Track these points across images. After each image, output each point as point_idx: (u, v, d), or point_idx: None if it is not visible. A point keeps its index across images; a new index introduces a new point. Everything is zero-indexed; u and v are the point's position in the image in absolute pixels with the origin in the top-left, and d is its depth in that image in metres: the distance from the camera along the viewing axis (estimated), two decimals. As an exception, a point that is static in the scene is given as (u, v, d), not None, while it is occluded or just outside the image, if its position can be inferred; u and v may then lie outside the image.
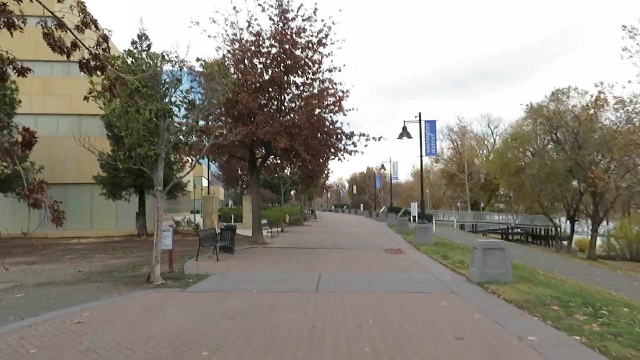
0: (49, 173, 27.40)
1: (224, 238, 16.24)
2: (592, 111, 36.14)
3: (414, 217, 46.42)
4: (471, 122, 72.90)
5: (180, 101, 11.50)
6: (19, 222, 5.00)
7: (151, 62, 11.08)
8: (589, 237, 43.84)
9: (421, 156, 19.54)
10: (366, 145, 18.36)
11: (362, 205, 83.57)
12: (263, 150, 20.11)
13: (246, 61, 17.32)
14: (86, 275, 12.40)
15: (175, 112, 10.83)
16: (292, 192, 54.73)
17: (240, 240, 21.01)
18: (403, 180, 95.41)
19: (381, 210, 54.03)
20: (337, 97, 18.33)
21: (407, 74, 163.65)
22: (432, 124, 19.48)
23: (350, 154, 19.79)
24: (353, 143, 18.79)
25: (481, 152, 78.55)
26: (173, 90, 11.37)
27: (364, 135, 18.33)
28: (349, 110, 18.85)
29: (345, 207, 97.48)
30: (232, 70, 17.05)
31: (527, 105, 46.78)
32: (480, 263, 9.61)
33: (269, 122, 16.63)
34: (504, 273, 9.60)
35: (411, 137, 19.69)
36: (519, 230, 61.04)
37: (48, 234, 26.80)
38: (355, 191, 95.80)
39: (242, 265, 13.15)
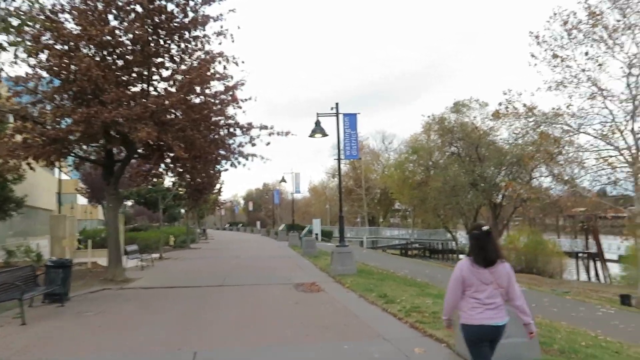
0: None
1: (53, 280, 10.51)
2: (498, 121, 35.00)
3: (317, 235, 42.62)
4: (367, 137, 72.08)
5: None
6: None
7: None
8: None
9: (338, 159, 15.29)
10: (268, 144, 13.57)
11: (258, 223, 78.57)
12: (123, 152, 14.54)
13: (94, 15, 11.84)
14: None
15: None
16: (182, 210, 48.09)
17: (94, 276, 15.07)
18: (299, 196, 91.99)
19: (280, 229, 49.46)
20: (228, 82, 13.54)
21: (304, 93, 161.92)
22: (352, 118, 15.27)
23: (247, 159, 15.00)
24: (251, 140, 14.02)
25: (377, 167, 78.02)
26: None
27: (265, 127, 13.61)
28: (245, 100, 14.07)
29: (240, 225, 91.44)
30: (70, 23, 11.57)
31: (429, 116, 45.49)
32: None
33: (125, 102, 11.27)
34: (527, 343, 5.44)
35: (327, 135, 15.42)
36: (417, 245, 60.34)
37: None
38: (251, 208, 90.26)
39: (60, 335, 7.61)
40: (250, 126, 13.76)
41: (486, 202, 41.12)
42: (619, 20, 19.02)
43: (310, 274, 15.31)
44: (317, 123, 15.24)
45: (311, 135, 15.37)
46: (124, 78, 12.67)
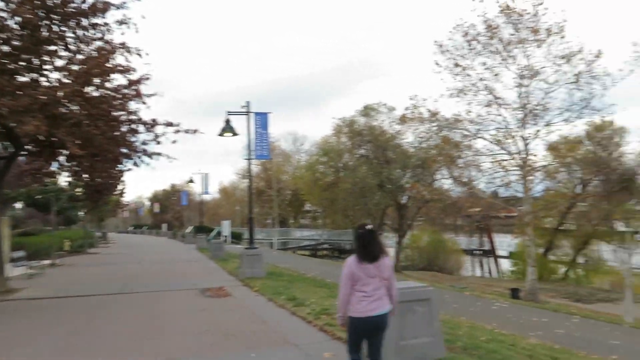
0: None
1: None
2: (405, 125, 36.53)
3: (226, 237, 41.68)
4: (278, 139, 72.13)
5: None
6: None
7: None
8: (394, 249, 45.05)
9: (249, 159, 14.95)
10: (174, 142, 12.91)
11: (165, 225, 75.35)
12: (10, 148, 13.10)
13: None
14: None
15: None
16: (80, 213, 44.62)
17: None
18: (209, 197, 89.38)
19: (188, 231, 47.74)
20: (131, 75, 12.70)
21: (214, 90, 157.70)
22: (263, 117, 14.98)
23: (152, 158, 14.23)
24: (156, 137, 13.28)
25: (288, 168, 78.08)
26: None
27: (171, 125, 12.93)
28: (151, 96, 13.28)
29: (145, 227, 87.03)
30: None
31: (340, 119, 46.37)
32: (395, 330, 5.36)
33: (10, 92, 10.09)
34: (433, 342, 5.55)
35: (237, 134, 14.98)
36: (327, 245, 61.16)
37: None
38: (157, 209, 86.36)
39: None
40: (154, 123, 13.02)
41: (392, 203, 42.63)
42: (512, 34, 20.54)
43: (218, 278, 14.82)
44: (227, 121, 14.75)
45: (221, 134, 14.85)
46: (10, 66, 11.37)
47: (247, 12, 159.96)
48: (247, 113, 14.68)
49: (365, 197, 41.34)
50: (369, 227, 4.42)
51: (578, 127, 23.74)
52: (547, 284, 27.99)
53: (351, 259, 4.39)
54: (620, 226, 27.95)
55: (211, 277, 15.21)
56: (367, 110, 44.57)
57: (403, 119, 32.41)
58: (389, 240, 49.71)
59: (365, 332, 4.38)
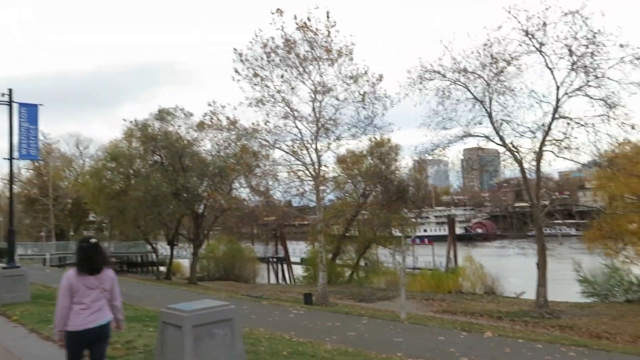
0: None
1: None
2: (203, 132, 35.44)
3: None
4: (57, 140, 63.52)
5: None
6: None
7: None
8: (190, 260, 43.80)
9: (10, 158, 12.21)
10: None
11: None
12: None
13: None
14: None
15: None
16: None
17: None
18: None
19: None
20: None
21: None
22: (31, 110, 12.31)
23: None
24: None
25: (69, 174, 69.38)
26: None
27: None
28: None
29: None
30: None
31: (132, 122, 42.92)
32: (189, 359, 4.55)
33: None
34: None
35: (-6, 128, 12.08)
36: (114, 258, 55.97)
37: None
38: None
39: None
40: None
41: (188, 212, 41.10)
42: (308, 51, 21.48)
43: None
44: (-21, 111, 11.87)
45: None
46: None
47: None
48: (10, 103, 12.04)
49: (159, 206, 38.85)
50: (93, 240, 4.61)
51: (363, 143, 26.15)
52: (335, 287, 30.01)
53: (70, 272, 4.46)
54: (396, 232, 31.78)
55: (-49, 306, 11.98)
56: (163, 114, 42.15)
57: (201, 126, 31.52)
58: (184, 251, 47.91)
59: (86, 344, 4.41)
